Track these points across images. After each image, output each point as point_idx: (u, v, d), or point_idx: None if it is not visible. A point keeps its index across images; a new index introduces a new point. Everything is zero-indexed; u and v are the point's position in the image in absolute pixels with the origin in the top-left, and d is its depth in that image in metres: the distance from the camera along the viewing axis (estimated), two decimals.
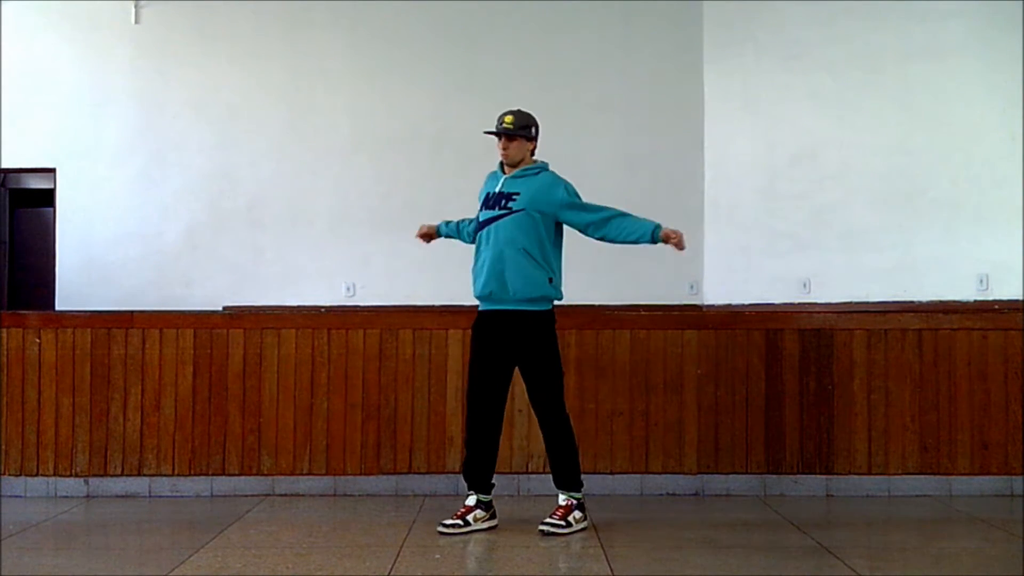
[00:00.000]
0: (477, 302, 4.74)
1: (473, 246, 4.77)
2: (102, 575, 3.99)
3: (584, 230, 4.72)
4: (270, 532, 4.67)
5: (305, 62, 9.26)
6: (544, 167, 4.75)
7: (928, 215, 7.79)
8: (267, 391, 5.54)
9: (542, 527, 4.54)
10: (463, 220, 4.97)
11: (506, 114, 4.69)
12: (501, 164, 4.78)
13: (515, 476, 5.43)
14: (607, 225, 4.69)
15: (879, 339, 5.55)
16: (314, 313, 6.36)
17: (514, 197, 4.64)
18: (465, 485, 4.71)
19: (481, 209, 4.73)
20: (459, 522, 4.56)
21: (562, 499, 4.64)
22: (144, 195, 9.20)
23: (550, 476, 4.77)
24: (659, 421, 5.53)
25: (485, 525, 4.61)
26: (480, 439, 4.65)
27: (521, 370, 4.68)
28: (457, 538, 4.50)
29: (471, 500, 4.63)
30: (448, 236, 5.02)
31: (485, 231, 4.68)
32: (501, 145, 4.69)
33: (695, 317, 6.56)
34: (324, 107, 9.25)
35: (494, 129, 4.69)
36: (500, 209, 4.65)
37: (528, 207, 4.61)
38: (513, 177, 4.70)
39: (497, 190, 4.69)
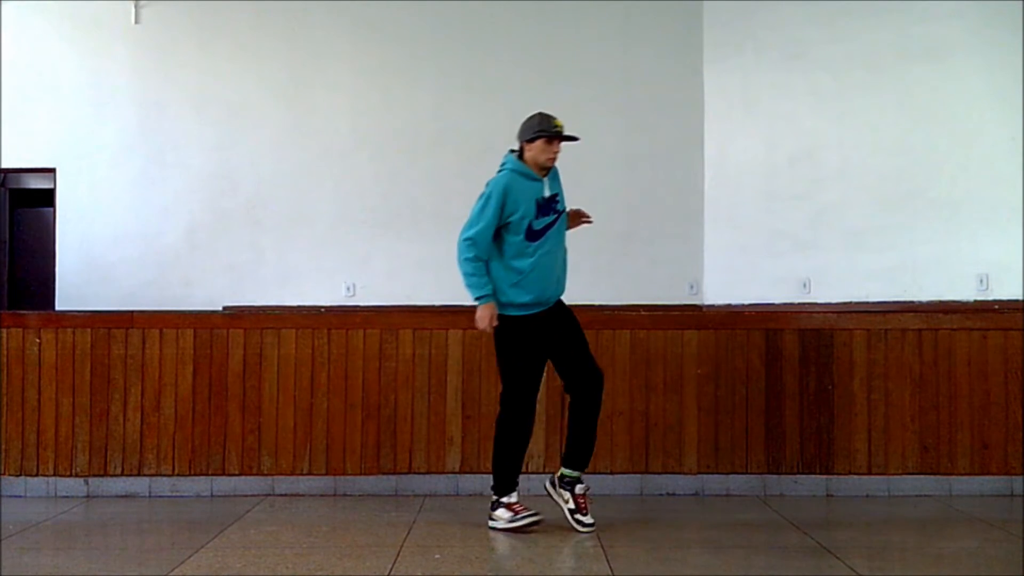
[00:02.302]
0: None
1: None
2: (102, 575, 3.99)
3: None
4: (270, 532, 4.67)
5: (305, 62, 9.26)
6: None
7: (928, 215, 7.78)
8: (267, 391, 5.54)
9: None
10: (479, 265, 4.64)
11: (555, 118, 4.66)
12: (521, 164, 4.65)
13: None
14: None
15: (879, 339, 5.55)
16: (314, 313, 6.36)
17: (557, 199, 4.70)
18: (506, 487, 4.68)
19: (536, 216, 4.61)
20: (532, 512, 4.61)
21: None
22: (144, 195, 9.20)
23: (547, 475, 4.82)
24: (659, 421, 5.53)
25: None
26: (528, 437, 4.70)
27: (561, 353, 4.70)
28: (456, 539, 4.51)
29: (516, 497, 4.66)
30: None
31: (544, 237, 4.64)
32: (555, 149, 4.65)
33: (695, 317, 6.56)
34: (324, 107, 9.26)
35: (553, 131, 4.61)
36: (553, 213, 4.68)
37: (565, 206, 4.77)
38: (551, 179, 4.72)
39: (547, 195, 4.67)
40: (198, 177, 9.20)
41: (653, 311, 6.07)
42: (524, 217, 4.60)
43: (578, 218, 4.90)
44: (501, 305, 4.61)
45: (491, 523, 4.65)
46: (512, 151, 4.73)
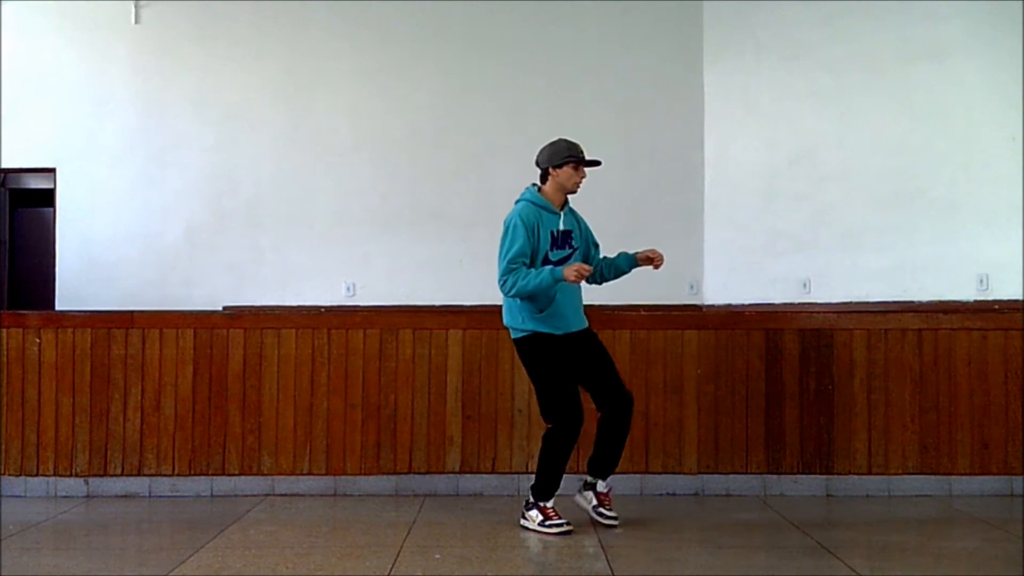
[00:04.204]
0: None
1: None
2: (102, 575, 3.99)
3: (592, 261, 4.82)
4: (270, 532, 4.67)
5: (305, 62, 9.27)
6: None
7: (928, 215, 7.79)
8: (267, 391, 5.54)
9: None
10: (520, 273, 4.56)
11: (578, 144, 4.64)
12: (539, 196, 4.63)
13: (515, 476, 5.44)
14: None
15: (879, 339, 5.55)
16: (314, 313, 6.36)
17: (572, 235, 4.68)
18: (545, 493, 4.65)
19: (552, 248, 4.60)
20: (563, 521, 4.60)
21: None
22: (144, 195, 9.21)
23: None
24: (659, 421, 5.53)
25: None
26: (571, 448, 4.64)
27: (590, 379, 4.68)
28: (456, 539, 4.51)
29: (552, 503, 4.65)
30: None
31: None
32: (582, 175, 4.64)
33: (695, 317, 6.56)
34: (324, 107, 9.26)
35: (587, 158, 4.63)
36: (568, 248, 4.66)
37: (581, 245, 4.73)
38: (567, 214, 4.71)
39: (561, 228, 4.65)
40: (198, 177, 9.21)
41: (653, 311, 6.07)
42: (540, 248, 4.59)
43: (649, 261, 4.77)
44: (522, 329, 4.61)
45: (522, 522, 4.66)
46: (533, 184, 4.70)
